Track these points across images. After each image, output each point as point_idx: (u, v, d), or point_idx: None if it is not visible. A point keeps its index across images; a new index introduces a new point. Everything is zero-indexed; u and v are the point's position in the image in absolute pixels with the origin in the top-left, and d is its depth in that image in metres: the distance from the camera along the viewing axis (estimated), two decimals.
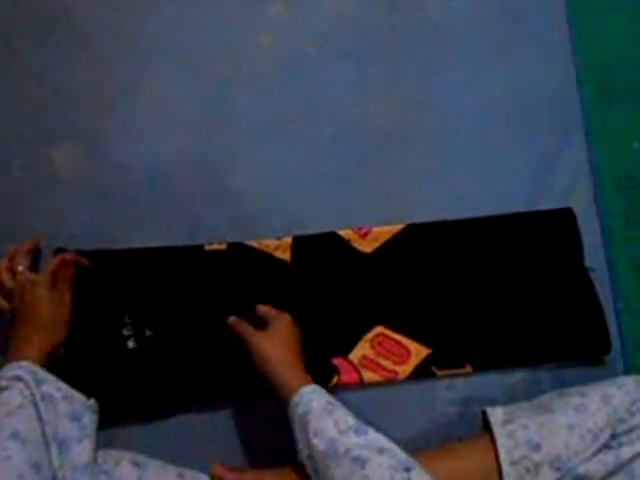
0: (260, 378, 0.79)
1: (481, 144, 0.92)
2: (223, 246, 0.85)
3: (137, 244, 0.86)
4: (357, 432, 0.63)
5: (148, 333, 0.82)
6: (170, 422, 0.82)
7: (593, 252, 0.88)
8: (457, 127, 0.92)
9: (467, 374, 0.83)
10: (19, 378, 0.67)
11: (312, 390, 0.68)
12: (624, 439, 0.68)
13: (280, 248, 0.85)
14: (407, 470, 0.59)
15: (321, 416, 0.65)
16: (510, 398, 0.81)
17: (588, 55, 0.95)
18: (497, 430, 0.70)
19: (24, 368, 0.68)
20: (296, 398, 0.68)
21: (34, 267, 0.82)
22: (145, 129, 0.91)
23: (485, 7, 0.96)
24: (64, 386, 0.70)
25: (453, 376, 0.83)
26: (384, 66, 0.94)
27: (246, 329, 0.76)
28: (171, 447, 0.80)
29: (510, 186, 0.91)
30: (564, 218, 0.88)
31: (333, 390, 0.81)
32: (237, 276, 0.84)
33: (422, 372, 0.82)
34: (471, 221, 0.88)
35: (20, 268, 0.79)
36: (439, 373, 0.82)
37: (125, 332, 0.82)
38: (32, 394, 0.66)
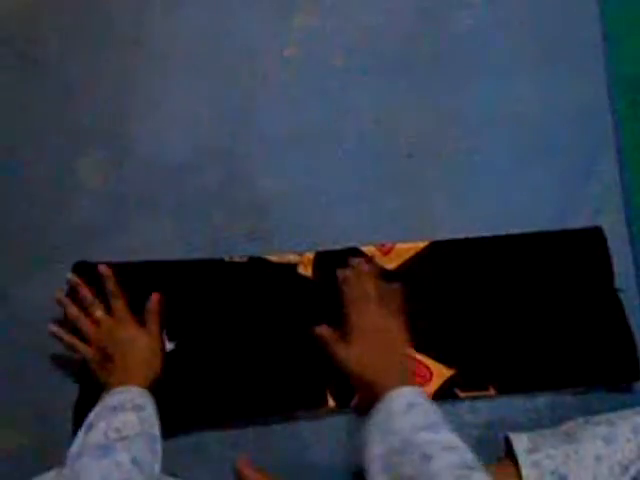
0: (278, 396, 0.79)
1: (508, 160, 0.90)
2: (244, 259, 0.84)
3: (158, 252, 0.85)
4: (429, 429, 0.63)
5: (169, 348, 0.81)
6: (183, 440, 0.80)
7: (623, 274, 0.85)
8: (484, 142, 0.90)
9: (491, 397, 0.81)
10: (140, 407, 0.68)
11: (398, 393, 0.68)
12: None
13: (302, 263, 0.84)
14: (470, 469, 0.58)
15: (400, 415, 0.66)
16: (534, 422, 0.79)
17: (621, 70, 0.93)
18: (522, 458, 0.68)
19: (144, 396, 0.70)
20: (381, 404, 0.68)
21: (106, 304, 0.80)
22: (168, 138, 0.90)
23: (515, 21, 0.94)
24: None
25: (476, 398, 0.81)
26: (410, 80, 0.92)
27: (331, 336, 0.77)
28: (183, 465, 0.79)
29: (537, 204, 0.88)
30: (593, 237, 0.86)
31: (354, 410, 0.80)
32: (258, 290, 0.83)
33: (445, 394, 0.80)
34: (497, 238, 0.86)
35: (99, 314, 0.78)
36: (462, 395, 0.80)
37: None
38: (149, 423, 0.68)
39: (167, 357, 0.81)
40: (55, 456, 0.76)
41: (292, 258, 0.84)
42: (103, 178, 0.89)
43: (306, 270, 0.84)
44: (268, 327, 0.82)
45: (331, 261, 0.84)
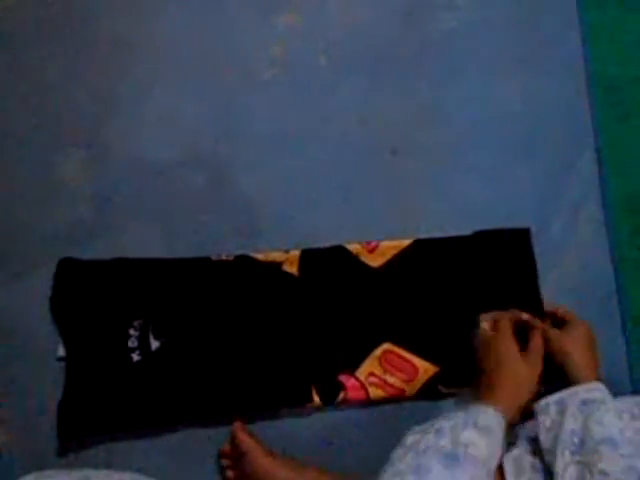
0: (264, 393, 0.79)
1: (490, 158, 0.91)
2: (230, 258, 0.84)
3: (142, 252, 0.85)
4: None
5: (154, 346, 0.81)
6: (169, 438, 0.81)
7: (602, 270, 0.88)
8: (467, 141, 0.92)
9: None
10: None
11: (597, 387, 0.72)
12: None
13: (287, 261, 0.85)
14: None
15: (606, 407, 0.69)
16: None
17: (600, 71, 0.94)
18: (507, 465, 0.70)
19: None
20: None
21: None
22: (151, 136, 0.90)
23: (498, 21, 0.95)
24: None
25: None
26: (394, 79, 0.93)
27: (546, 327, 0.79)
28: (169, 464, 0.80)
29: (519, 201, 0.90)
30: (520, 237, 0.87)
31: (338, 407, 0.81)
32: (244, 289, 0.84)
33: (429, 390, 0.81)
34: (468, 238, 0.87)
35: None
36: (445, 391, 0.81)
37: (130, 344, 0.81)
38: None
39: (153, 355, 0.80)
40: (38, 458, 0.78)
41: (278, 256, 0.85)
42: (86, 178, 0.88)
43: (292, 268, 0.85)
44: (254, 325, 0.82)
45: (316, 259, 0.85)
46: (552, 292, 0.86)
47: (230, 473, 0.79)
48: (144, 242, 0.86)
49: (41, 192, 0.87)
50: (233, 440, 0.78)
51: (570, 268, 0.88)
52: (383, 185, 0.90)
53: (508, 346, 0.75)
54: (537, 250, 0.87)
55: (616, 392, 0.80)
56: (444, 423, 0.65)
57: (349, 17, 0.94)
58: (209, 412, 0.80)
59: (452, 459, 0.61)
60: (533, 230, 0.88)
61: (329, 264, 0.85)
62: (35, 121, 0.90)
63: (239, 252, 0.85)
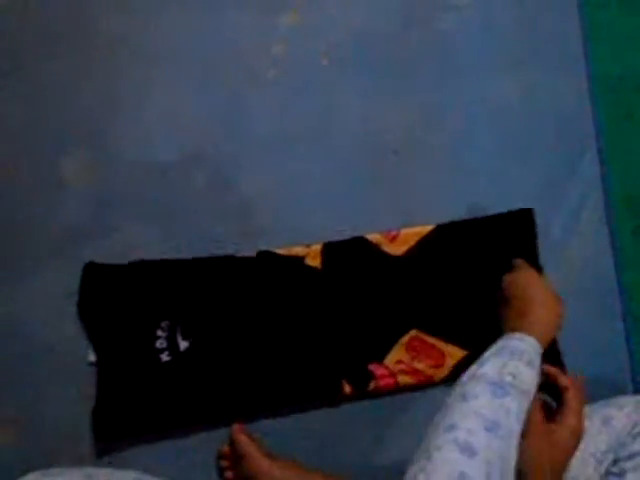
0: (295, 387, 0.80)
1: (492, 159, 0.91)
2: (252, 254, 0.85)
3: (144, 253, 0.85)
4: None
5: (183, 346, 0.82)
6: (168, 438, 0.81)
7: (604, 270, 0.88)
8: (468, 142, 0.91)
9: None
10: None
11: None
12: (627, 465, 0.67)
13: (309, 255, 0.85)
14: None
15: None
16: None
17: (602, 71, 0.93)
18: None
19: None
20: None
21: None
22: (152, 136, 0.90)
23: (499, 22, 0.94)
24: None
25: None
26: (396, 79, 0.92)
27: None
28: (169, 464, 0.81)
29: (520, 202, 0.89)
30: (524, 218, 0.88)
31: (369, 395, 0.82)
32: (268, 284, 0.84)
33: (458, 375, 0.81)
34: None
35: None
36: None
37: (158, 345, 0.82)
38: None
39: (182, 355, 0.81)
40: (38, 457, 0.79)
41: (300, 250, 0.85)
42: (88, 178, 0.88)
43: (314, 261, 0.85)
44: (280, 320, 0.83)
45: (338, 251, 0.85)
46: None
47: (229, 474, 0.80)
48: (145, 242, 0.86)
49: (42, 192, 0.87)
50: (232, 441, 0.79)
51: (572, 268, 0.89)
52: (385, 183, 0.90)
53: (536, 276, 0.75)
54: (539, 251, 0.88)
55: (617, 390, 0.81)
56: (486, 354, 0.65)
57: (350, 17, 0.94)
58: (241, 408, 0.81)
59: (499, 387, 0.60)
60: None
61: (351, 255, 0.85)
62: (36, 122, 0.89)
63: (240, 253, 0.85)
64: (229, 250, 0.85)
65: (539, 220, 0.88)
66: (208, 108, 0.91)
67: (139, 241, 0.86)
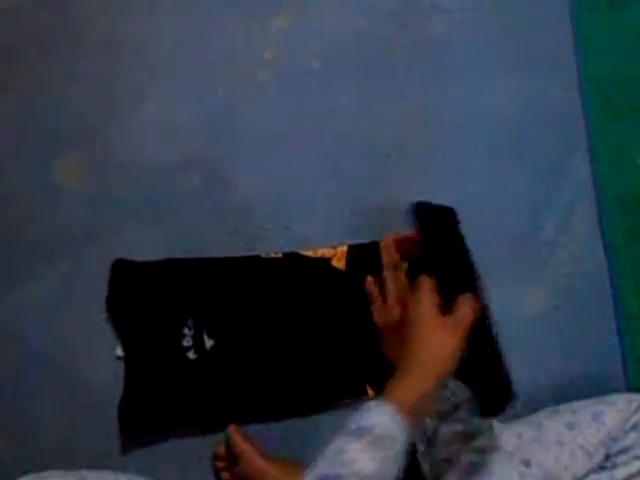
0: (319, 389, 0.82)
1: (483, 159, 0.92)
2: (279, 255, 0.86)
3: (139, 254, 0.85)
4: None
5: (209, 344, 0.83)
6: (164, 440, 0.82)
7: (596, 269, 0.89)
8: (461, 143, 0.92)
9: None
10: None
11: None
12: (618, 460, 0.69)
13: (335, 257, 0.86)
14: None
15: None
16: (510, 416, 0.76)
17: (593, 71, 0.95)
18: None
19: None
20: None
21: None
22: (148, 138, 0.90)
23: (490, 23, 0.96)
24: None
25: None
26: (387, 82, 0.93)
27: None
28: (164, 465, 0.81)
29: (512, 202, 0.91)
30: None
31: None
32: (294, 285, 0.85)
33: None
34: None
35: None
36: None
37: (185, 343, 0.83)
38: None
39: (208, 353, 0.82)
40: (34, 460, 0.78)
41: (326, 252, 0.86)
42: (83, 180, 0.88)
43: (339, 263, 0.86)
44: (304, 321, 0.84)
45: (363, 253, 0.86)
46: (546, 292, 0.88)
47: (225, 475, 0.80)
48: (141, 244, 0.86)
49: (37, 194, 0.87)
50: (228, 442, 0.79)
51: (564, 268, 0.89)
52: (376, 186, 0.90)
53: (428, 311, 0.63)
54: (531, 250, 0.89)
55: (610, 389, 0.81)
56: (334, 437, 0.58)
57: (342, 20, 0.94)
58: (266, 407, 0.82)
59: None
60: (526, 231, 0.90)
61: (376, 257, 0.86)
62: (33, 124, 0.89)
63: (235, 254, 0.86)
64: (223, 252, 0.86)
65: (531, 220, 0.89)
66: (202, 110, 0.91)
67: (134, 243, 0.86)
